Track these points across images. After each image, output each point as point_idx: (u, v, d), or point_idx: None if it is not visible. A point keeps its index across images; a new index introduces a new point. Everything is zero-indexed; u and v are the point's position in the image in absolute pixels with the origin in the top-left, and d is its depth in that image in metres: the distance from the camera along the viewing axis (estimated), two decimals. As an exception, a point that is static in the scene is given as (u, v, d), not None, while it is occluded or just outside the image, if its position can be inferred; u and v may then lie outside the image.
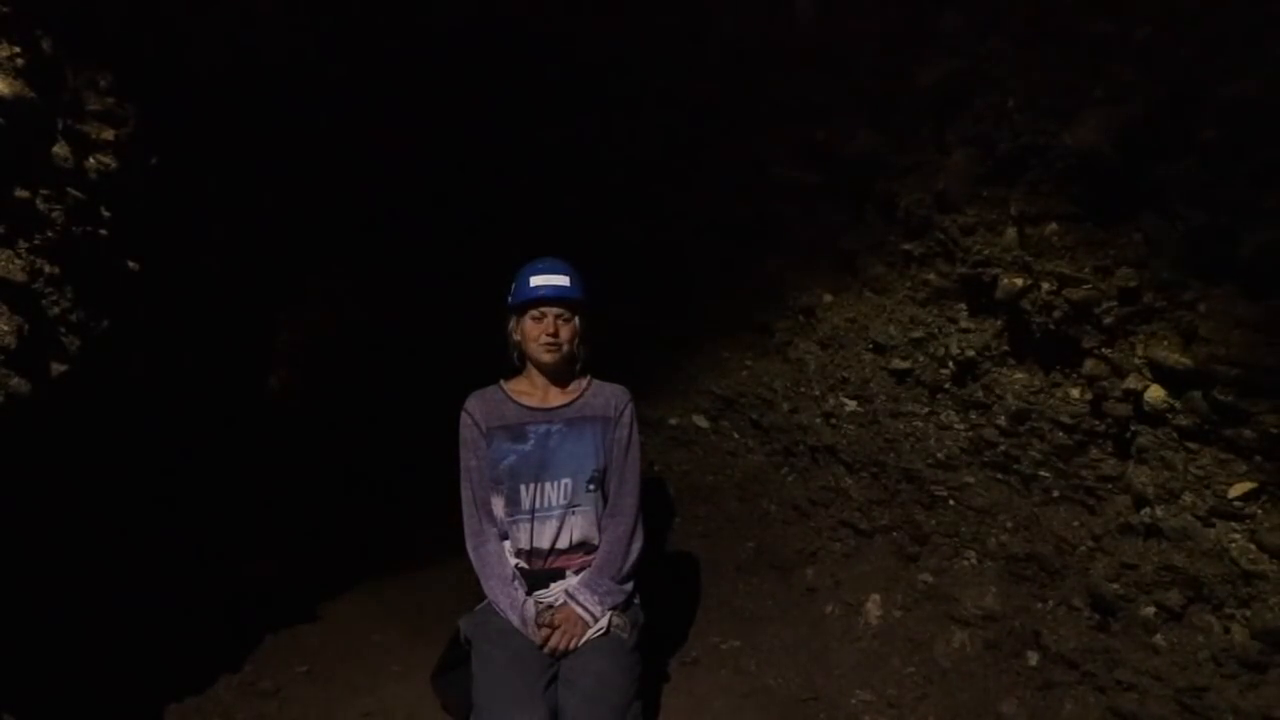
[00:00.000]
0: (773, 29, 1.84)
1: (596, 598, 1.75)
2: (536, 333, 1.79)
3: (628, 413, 1.88)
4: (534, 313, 1.80)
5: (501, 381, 1.90)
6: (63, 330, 1.61)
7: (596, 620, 1.73)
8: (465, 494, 1.83)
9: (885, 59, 1.68)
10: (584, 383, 1.91)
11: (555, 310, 1.79)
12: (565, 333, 1.80)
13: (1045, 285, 1.57)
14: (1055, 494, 1.78)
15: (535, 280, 1.80)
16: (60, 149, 1.53)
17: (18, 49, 1.40)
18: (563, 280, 1.80)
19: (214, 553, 2.59)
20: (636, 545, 1.84)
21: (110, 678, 1.92)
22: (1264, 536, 1.39)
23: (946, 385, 1.93)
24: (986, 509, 1.94)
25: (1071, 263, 1.51)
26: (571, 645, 1.70)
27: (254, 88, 2.21)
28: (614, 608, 1.76)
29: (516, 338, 1.85)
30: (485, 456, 1.81)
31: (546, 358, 1.80)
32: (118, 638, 2.04)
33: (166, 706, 1.93)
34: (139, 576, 2.23)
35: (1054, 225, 1.52)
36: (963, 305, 1.83)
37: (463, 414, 1.85)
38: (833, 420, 2.26)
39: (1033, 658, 1.82)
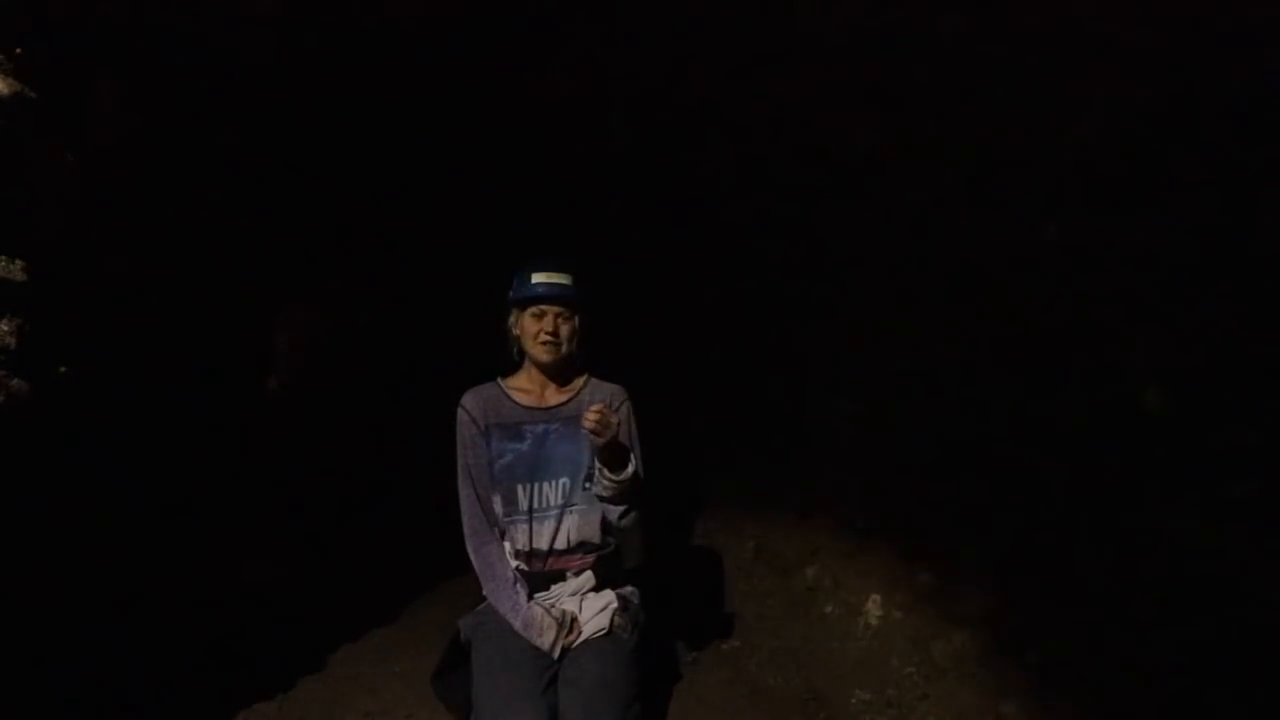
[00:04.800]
0: (773, 29, 1.84)
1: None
2: (535, 330, 1.80)
3: (624, 410, 1.88)
4: (534, 310, 1.80)
5: (499, 379, 1.90)
6: (63, 330, 1.62)
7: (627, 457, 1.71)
8: (464, 493, 1.82)
9: (885, 59, 1.68)
10: (581, 381, 1.91)
11: (556, 309, 1.80)
12: (565, 331, 1.81)
13: (1045, 285, 1.57)
14: (1055, 494, 1.78)
15: (538, 278, 1.80)
16: (61, 149, 1.53)
17: (17, 49, 1.40)
18: (564, 279, 1.81)
19: (213, 553, 2.58)
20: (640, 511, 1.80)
21: (108, 678, 1.91)
22: (1264, 536, 1.39)
23: (946, 384, 1.93)
24: (986, 509, 1.94)
25: (1072, 262, 1.51)
26: (601, 429, 1.61)
27: (255, 88, 2.21)
28: (623, 477, 1.70)
29: (516, 333, 1.86)
30: (484, 454, 1.81)
31: (545, 356, 1.80)
32: (116, 638, 2.04)
33: (166, 707, 1.92)
34: (137, 576, 2.23)
35: (1054, 225, 1.52)
36: (963, 304, 1.83)
37: (459, 411, 1.84)
38: (833, 420, 2.27)
39: (1033, 658, 1.82)
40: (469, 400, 1.85)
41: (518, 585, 1.77)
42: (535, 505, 1.80)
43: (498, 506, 1.81)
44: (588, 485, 1.81)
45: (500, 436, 1.81)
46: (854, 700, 1.96)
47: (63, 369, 1.61)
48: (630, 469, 1.71)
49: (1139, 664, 1.60)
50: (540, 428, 1.83)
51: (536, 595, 1.78)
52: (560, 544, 1.80)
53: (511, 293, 1.85)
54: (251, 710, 1.98)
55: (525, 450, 1.81)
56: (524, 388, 1.87)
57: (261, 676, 2.11)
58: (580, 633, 1.73)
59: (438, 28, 2.35)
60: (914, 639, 2.03)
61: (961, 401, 1.91)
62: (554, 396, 1.87)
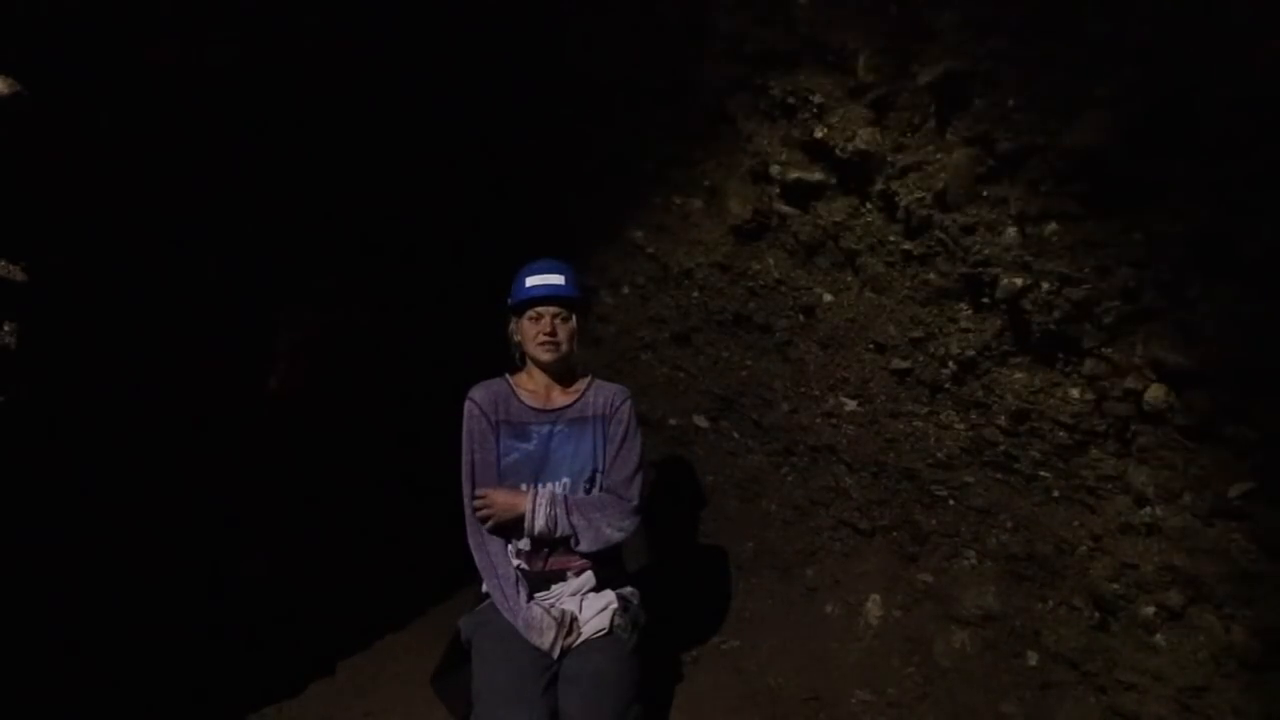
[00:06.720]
0: (772, 28, 1.84)
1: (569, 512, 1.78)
2: (534, 332, 1.81)
3: (625, 409, 1.88)
4: (531, 313, 1.82)
5: (507, 375, 1.91)
6: (62, 330, 1.62)
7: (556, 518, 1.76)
8: (469, 488, 1.82)
9: (885, 58, 1.68)
10: (585, 383, 1.92)
11: (552, 310, 1.81)
12: (563, 332, 1.82)
13: (1045, 285, 1.57)
14: (1055, 494, 1.78)
15: (532, 280, 1.83)
16: (61, 149, 1.53)
17: (16, 49, 1.40)
18: (559, 280, 1.82)
19: (212, 553, 2.58)
20: (628, 522, 1.81)
21: (107, 678, 1.91)
22: (1264, 536, 1.39)
23: (946, 385, 1.93)
24: (986, 509, 1.94)
25: (1071, 262, 1.51)
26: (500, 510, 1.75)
27: (253, 88, 2.21)
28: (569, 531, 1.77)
29: (516, 338, 1.88)
30: (492, 449, 1.81)
31: (545, 356, 1.81)
32: (114, 638, 2.04)
33: (165, 708, 1.92)
34: (136, 576, 2.23)
35: (1054, 225, 1.52)
36: (963, 305, 1.83)
37: (468, 404, 1.84)
38: (833, 420, 2.26)
39: (1033, 658, 1.82)
40: (479, 394, 1.85)
41: (518, 584, 1.77)
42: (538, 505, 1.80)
43: (500, 505, 1.81)
44: (589, 486, 1.82)
45: (508, 434, 1.82)
46: (854, 700, 1.96)
47: (62, 369, 1.61)
48: (584, 547, 1.77)
49: (1139, 664, 1.60)
50: (546, 429, 1.84)
51: (537, 595, 1.78)
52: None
53: (510, 298, 1.87)
54: (252, 711, 1.98)
55: (531, 450, 1.82)
56: (530, 388, 1.88)
57: (262, 677, 2.11)
58: (580, 633, 1.73)
59: (439, 24, 2.36)
60: (914, 639, 2.03)
61: (961, 401, 1.91)
62: (560, 398, 1.88)
